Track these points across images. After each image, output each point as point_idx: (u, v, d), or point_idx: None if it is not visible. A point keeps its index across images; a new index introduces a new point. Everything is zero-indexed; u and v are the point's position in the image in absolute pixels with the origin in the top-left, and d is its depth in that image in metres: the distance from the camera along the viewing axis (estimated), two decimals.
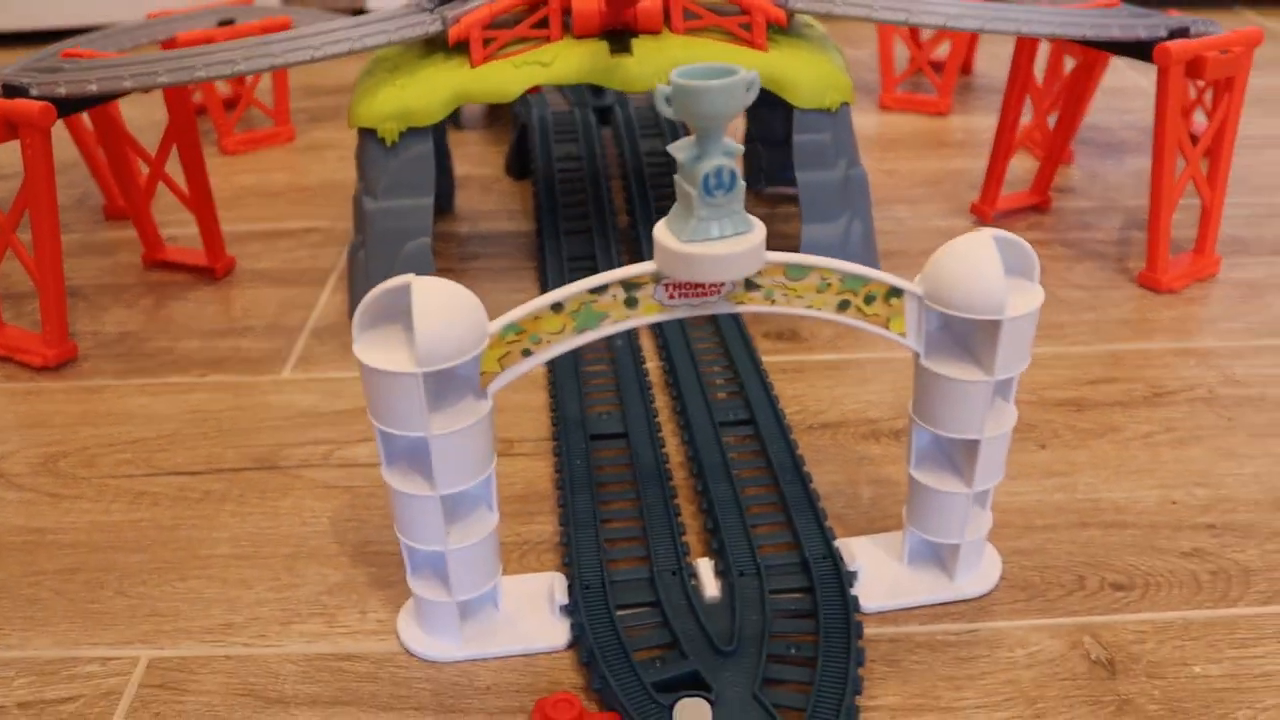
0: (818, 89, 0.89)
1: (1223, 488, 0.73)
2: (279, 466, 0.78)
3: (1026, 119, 1.23)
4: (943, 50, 1.52)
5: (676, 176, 0.53)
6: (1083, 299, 0.98)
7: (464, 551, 0.58)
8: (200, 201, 1.00)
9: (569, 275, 0.99)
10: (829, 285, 0.57)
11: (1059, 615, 0.63)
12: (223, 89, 1.41)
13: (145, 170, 1.04)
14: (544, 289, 0.97)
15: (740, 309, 0.56)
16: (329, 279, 1.03)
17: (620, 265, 1.01)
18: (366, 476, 0.76)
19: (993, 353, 0.56)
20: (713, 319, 0.93)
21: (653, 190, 1.14)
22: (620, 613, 0.62)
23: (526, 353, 0.55)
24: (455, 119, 1.42)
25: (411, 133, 0.87)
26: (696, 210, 0.52)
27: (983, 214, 1.12)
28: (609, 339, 0.90)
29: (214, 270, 1.03)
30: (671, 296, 0.55)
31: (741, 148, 0.53)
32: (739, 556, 0.65)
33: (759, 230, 0.54)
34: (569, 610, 0.62)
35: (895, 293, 0.57)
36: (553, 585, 0.63)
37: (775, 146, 1.15)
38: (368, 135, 0.88)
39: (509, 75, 0.87)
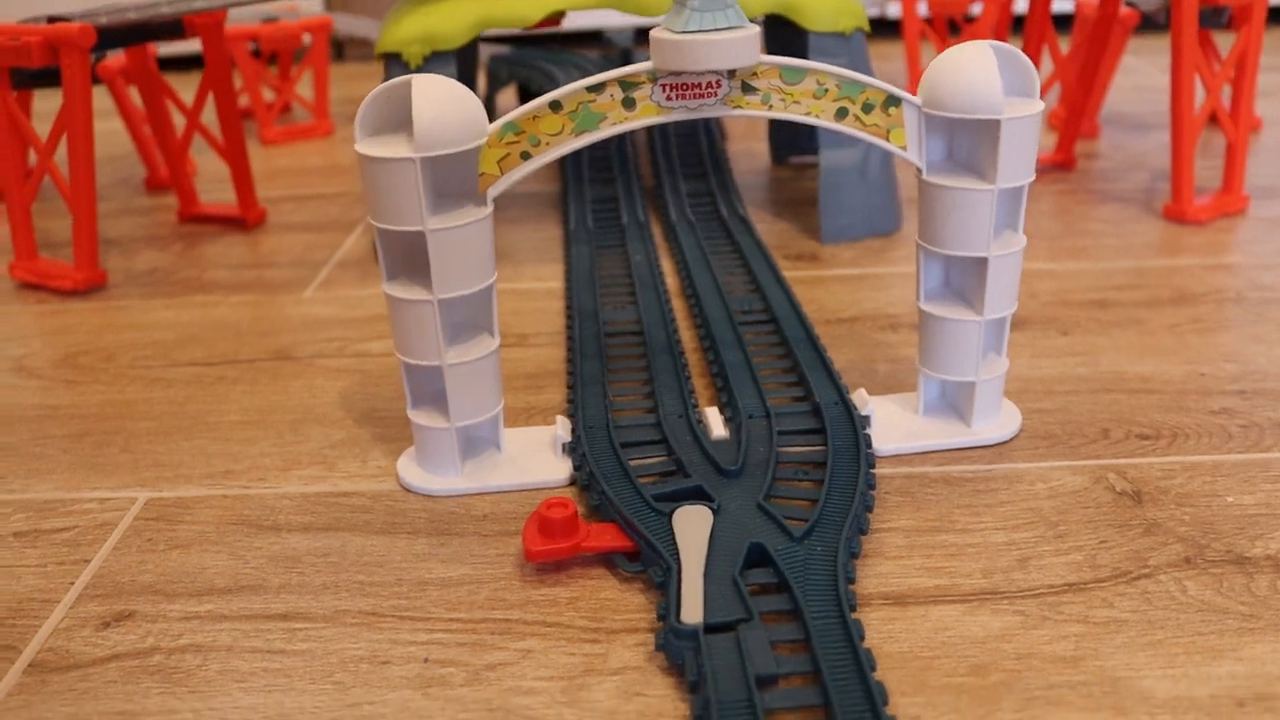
0: (831, 13, 0.91)
1: (1252, 364, 0.71)
2: (293, 358, 0.78)
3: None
4: None
5: None
6: (1107, 229, 0.96)
7: (463, 369, 0.57)
8: (234, 150, 1.03)
9: (592, 217, 1.00)
10: (826, 91, 0.57)
11: (1082, 459, 0.61)
12: (267, 94, 1.46)
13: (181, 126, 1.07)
14: (567, 230, 0.98)
15: (737, 113, 0.56)
16: (357, 227, 1.05)
17: (644, 213, 1.01)
18: (378, 364, 0.76)
19: (994, 159, 0.56)
20: (728, 233, 0.93)
21: (679, 156, 1.15)
22: (624, 450, 0.60)
23: (525, 155, 0.56)
24: (489, 107, 1.45)
25: (436, 57, 0.90)
26: (690, 2, 0.53)
27: None
28: (628, 254, 0.90)
29: (245, 220, 1.06)
30: (669, 98, 0.55)
31: None
32: (748, 403, 0.64)
33: (754, 28, 0.54)
34: (571, 448, 0.61)
35: (893, 101, 0.57)
36: (556, 429, 0.62)
37: None
38: (393, 62, 0.91)
39: (529, 1, 0.90)
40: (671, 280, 0.87)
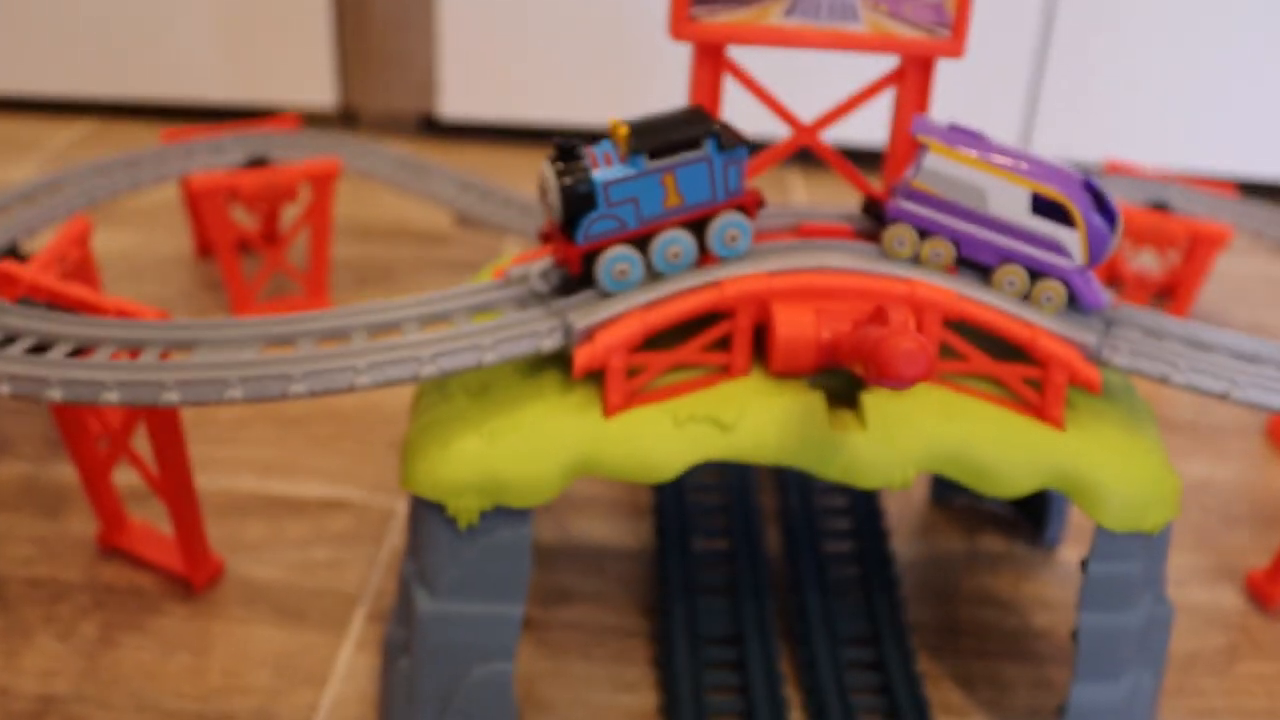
0: (1137, 501, 0.57)
1: None
2: None
3: None
4: (1145, 257, 1.15)
5: None
6: None
7: None
8: (176, 491, 0.69)
9: (705, 673, 0.67)
10: None
11: None
12: (245, 220, 1.10)
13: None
14: (668, 689, 0.65)
15: None
16: (353, 620, 0.72)
17: (779, 661, 0.68)
18: None
19: None
20: None
21: (825, 533, 0.79)
22: None
23: None
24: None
25: (502, 514, 0.56)
26: None
27: (1267, 598, 0.78)
28: None
29: (191, 583, 0.73)
30: None
31: None
32: None
33: None
34: None
35: None
36: None
37: None
38: (430, 514, 0.57)
39: (665, 437, 0.56)
40: None
